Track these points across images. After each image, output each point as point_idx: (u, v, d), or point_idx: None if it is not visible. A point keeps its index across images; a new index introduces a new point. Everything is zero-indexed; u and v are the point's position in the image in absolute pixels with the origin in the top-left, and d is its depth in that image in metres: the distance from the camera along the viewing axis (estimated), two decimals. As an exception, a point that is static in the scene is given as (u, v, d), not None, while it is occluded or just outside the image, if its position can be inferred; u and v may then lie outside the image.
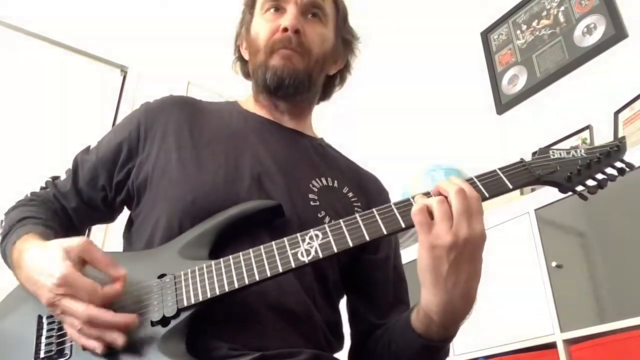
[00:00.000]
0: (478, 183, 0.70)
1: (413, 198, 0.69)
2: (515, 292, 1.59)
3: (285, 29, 0.90)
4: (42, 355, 0.68)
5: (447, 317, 0.67)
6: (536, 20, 2.33)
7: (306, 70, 0.92)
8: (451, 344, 1.78)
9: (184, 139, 0.87)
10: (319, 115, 1.09)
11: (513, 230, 1.66)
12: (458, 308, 0.67)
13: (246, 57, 1.00)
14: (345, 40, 1.02)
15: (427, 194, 0.69)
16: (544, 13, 2.30)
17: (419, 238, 0.65)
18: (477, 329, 1.66)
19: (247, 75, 1.03)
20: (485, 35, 2.56)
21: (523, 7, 2.41)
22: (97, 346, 0.64)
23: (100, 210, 0.92)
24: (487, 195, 0.69)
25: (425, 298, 0.67)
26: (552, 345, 1.44)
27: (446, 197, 0.65)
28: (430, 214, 0.64)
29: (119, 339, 0.63)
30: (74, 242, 0.69)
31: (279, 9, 0.93)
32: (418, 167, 2.41)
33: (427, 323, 0.70)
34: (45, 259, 0.68)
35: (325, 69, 0.98)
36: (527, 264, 1.58)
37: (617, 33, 1.97)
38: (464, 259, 0.63)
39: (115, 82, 2.78)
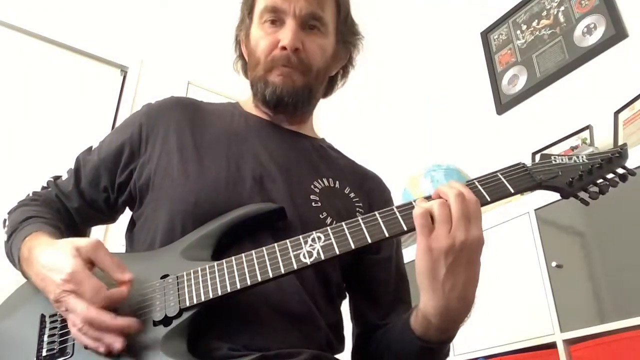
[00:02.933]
0: (479, 187, 0.70)
1: (414, 201, 0.69)
2: (515, 292, 1.60)
3: (284, 48, 0.88)
4: (44, 353, 0.68)
5: (445, 320, 0.68)
6: (536, 20, 2.33)
7: (306, 85, 0.91)
8: (451, 344, 1.78)
9: (186, 140, 0.88)
10: (320, 115, 1.09)
11: (513, 230, 1.66)
12: (456, 311, 0.67)
13: (246, 57, 1.00)
14: (347, 41, 1.01)
15: (428, 198, 0.69)
16: (544, 13, 2.31)
17: (417, 241, 0.65)
18: (477, 329, 1.66)
19: (247, 74, 1.02)
20: (485, 35, 2.56)
21: (523, 7, 2.42)
22: (97, 347, 0.64)
23: (102, 211, 0.92)
24: (488, 199, 0.69)
25: (423, 301, 0.68)
26: (552, 345, 1.44)
27: (446, 201, 0.65)
28: (432, 218, 0.65)
29: (116, 343, 0.63)
30: (84, 241, 0.69)
31: (277, 20, 0.90)
32: (418, 166, 2.41)
33: (425, 325, 0.70)
34: (56, 256, 0.68)
35: (326, 76, 0.98)
36: (527, 264, 1.58)
37: (617, 33, 1.98)
38: (461, 262, 0.64)
39: (115, 82, 2.78)
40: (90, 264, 0.68)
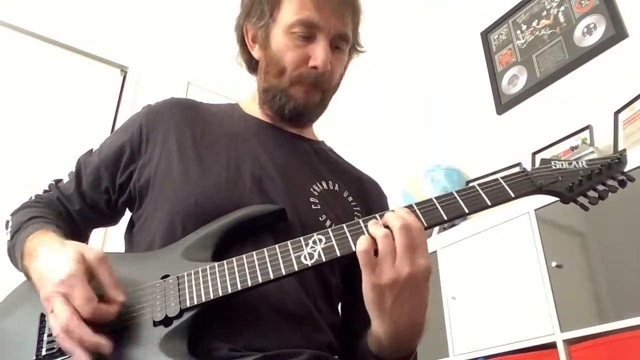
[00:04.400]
0: (480, 190, 0.71)
1: (366, 226, 0.68)
2: (515, 292, 1.60)
3: (315, 67, 0.87)
4: (43, 352, 0.68)
5: (396, 342, 0.69)
6: (536, 20, 2.33)
7: (324, 101, 0.93)
8: (451, 344, 1.77)
9: (186, 142, 0.88)
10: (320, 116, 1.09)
11: (513, 230, 1.66)
12: (405, 335, 0.69)
13: (255, 54, 0.96)
14: (353, 51, 1.00)
15: (382, 215, 0.69)
16: (544, 13, 2.31)
17: (362, 275, 0.65)
18: (477, 329, 1.66)
19: (251, 69, 1.00)
20: (485, 35, 2.57)
21: (523, 7, 2.42)
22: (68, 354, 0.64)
23: (103, 213, 0.92)
24: (489, 204, 0.70)
25: (374, 326, 0.69)
26: (552, 345, 1.44)
27: (391, 232, 0.65)
28: (376, 250, 0.65)
29: (83, 359, 0.62)
30: (91, 250, 0.69)
31: (309, 36, 0.87)
32: (418, 167, 2.41)
33: (378, 346, 0.72)
34: (61, 256, 0.68)
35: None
36: (527, 264, 1.58)
37: (617, 33, 1.98)
38: (407, 293, 0.65)
39: (115, 82, 2.79)
40: (91, 274, 0.68)
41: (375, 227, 0.67)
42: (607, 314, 1.36)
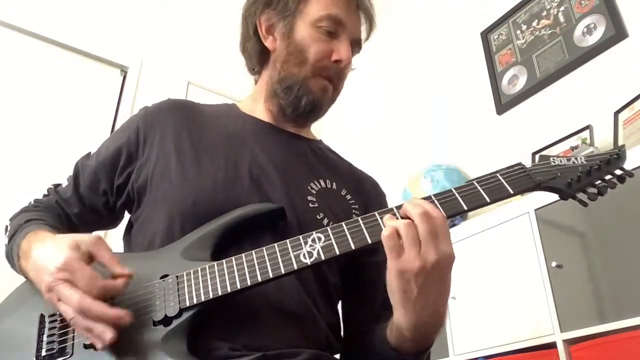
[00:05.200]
0: (479, 187, 0.71)
1: (382, 218, 0.68)
2: (515, 292, 1.60)
3: (339, 61, 0.90)
4: (43, 353, 0.68)
5: (418, 333, 0.69)
6: (536, 20, 2.33)
7: (333, 99, 0.96)
8: (451, 344, 1.77)
9: (183, 142, 0.88)
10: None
11: (513, 230, 1.66)
12: (428, 325, 0.68)
13: (269, 44, 0.95)
14: None
15: (399, 207, 0.68)
16: (544, 13, 2.31)
17: (388, 263, 0.65)
18: (477, 329, 1.66)
19: (259, 61, 0.98)
20: (485, 35, 2.56)
21: (523, 7, 2.42)
22: (87, 336, 0.64)
23: (102, 215, 0.93)
24: (488, 200, 0.70)
25: (396, 317, 0.69)
26: (552, 345, 1.44)
27: (412, 221, 0.64)
28: (400, 237, 0.64)
29: (106, 333, 0.62)
30: (84, 236, 0.70)
31: (334, 32, 0.91)
32: (418, 166, 2.41)
33: (399, 338, 0.71)
34: (54, 247, 0.68)
35: None
36: (527, 264, 1.58)
37: (617, 33, 1.97)
38: (433, 281, 0.64)
39: (115, 82, 2.79)
40: (90, 258, 0.68)
41: (393, 221, 0.66)
42: (607, 314, 1.36)
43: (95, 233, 0.97)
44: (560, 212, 1.54)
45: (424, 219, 0.63)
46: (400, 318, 0.68)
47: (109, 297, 0.66)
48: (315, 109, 0.93)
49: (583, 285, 1.43)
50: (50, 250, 0.68)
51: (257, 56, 0.98)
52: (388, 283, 0.66)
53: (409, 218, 0.65)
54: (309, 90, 0.91)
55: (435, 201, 0.69)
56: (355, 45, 0.95)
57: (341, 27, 0.91)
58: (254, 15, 0.96)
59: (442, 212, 0.67)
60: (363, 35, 0.98)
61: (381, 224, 0.69)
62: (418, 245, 0.63)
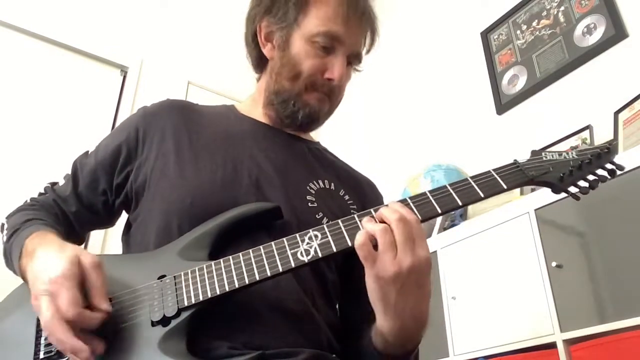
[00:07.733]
0: (473, 184, 0.71)
1: (361, 221, 0.69)
2: (515, 292, 1.59)
3: (331, 79, 0.90)
4: (41, 355, 0.68)
5: (400, 337, 0.70)
6: (536, 20, 2.33)
7: (331, 110, 0.97)
8: (451, 344, 1.77)
9: (182, 142, 0.88)
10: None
11: (513, 230, 1.66)
12: (410, 329, 0.69)
13: (266, 52, 0.96)
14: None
15: (376, 210, 0.69)
16: (544, 13, 2.31)
17: (365, 269, 0.65)
18: (477, 329, 1.66)
19: (258, 67, 1.00)
20: (485, 35, 2.56)
21: (523, 7, 2.41)
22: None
23: (100, 214, 0.92)
24: (482, 196, 0.71)
25: (379, 321, 0.70)
26: (552, 345, 1.44)
27: (389, 225, 0.65)
28: (375, 245, 0.65)
29: (81, 354, 0.61)
30: (89, 256, 0.68)
31: (329, 48, 0.90)
32: (418, 166, 2.41)
33: (383, 342, 0.72)
34: (56, 258, 0.68)
35: None
36: (527, 264, 1.58)
37: (617, 33, 1.97)
38: (411, 285, 0.64)
39: (115, 82, 2.79)
40: (82, 279, 0.67)
41: (371, 224, 0.66)
42: (607, 314, 1.35)
43: (95, 232, 0.97)
44: (560, 212, 1.54)
45: (401, 224, 0.64)
46: (382, 323, 0.69)
47: (82, 326, 0.64)
48: (313, 122, 0.94)
49: (583, 285, 1.43)
50: (54, 260, 0.67)
51: (256, 61, 0.99)
52: (367, 289, 0.67)
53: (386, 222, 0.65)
54: (306, 104, 0.91)
55: (411, 204, 0.70)
56: (354, 58, 0.94)
57: (338, 43, 0.90)
58: (254, 20, 0.96)
59: (418, 215, 0.68)
60: (364, 46, 0.96)
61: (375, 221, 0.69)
62: (394, 250, 0.64)
